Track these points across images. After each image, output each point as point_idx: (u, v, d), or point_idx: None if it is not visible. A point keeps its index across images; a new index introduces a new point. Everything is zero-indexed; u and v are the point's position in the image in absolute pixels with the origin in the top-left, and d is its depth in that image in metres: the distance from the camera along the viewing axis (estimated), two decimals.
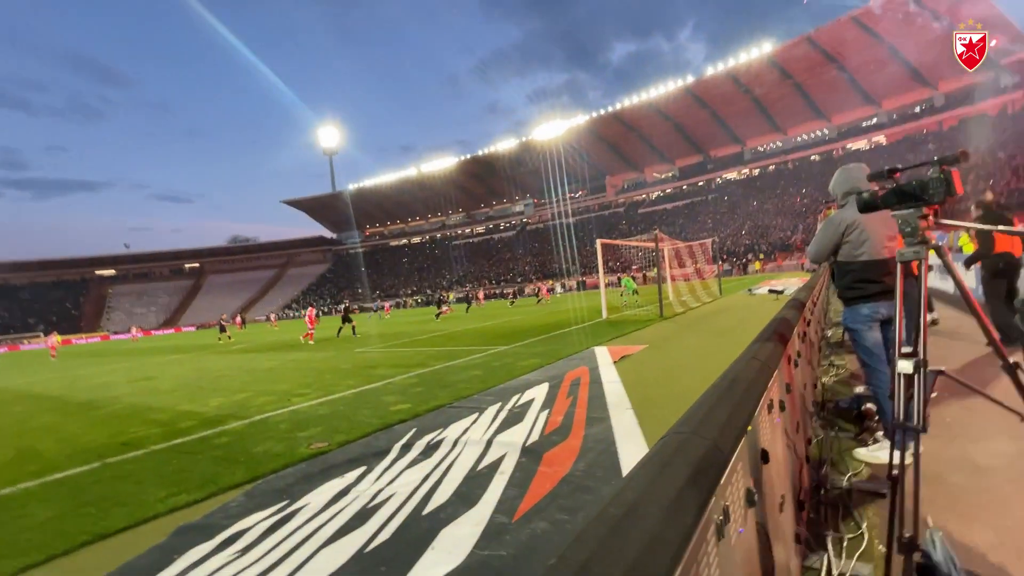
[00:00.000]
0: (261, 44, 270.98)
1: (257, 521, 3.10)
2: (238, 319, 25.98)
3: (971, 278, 9.66)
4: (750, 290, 19.66)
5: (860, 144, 53.73)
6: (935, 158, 1.43)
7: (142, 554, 2.85)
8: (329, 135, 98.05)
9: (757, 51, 50.76)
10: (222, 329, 25.14)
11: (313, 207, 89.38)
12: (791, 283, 19.76)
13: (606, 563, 0.61)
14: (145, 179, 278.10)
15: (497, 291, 56.69)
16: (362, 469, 3.85)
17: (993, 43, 43.43)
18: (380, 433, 4.81)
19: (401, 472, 3.70)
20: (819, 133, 58.57)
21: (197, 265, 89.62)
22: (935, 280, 10.65)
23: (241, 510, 3.31)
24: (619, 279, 27.27)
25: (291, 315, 67.36)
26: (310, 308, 18.87)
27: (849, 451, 3.23)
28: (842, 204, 3.23)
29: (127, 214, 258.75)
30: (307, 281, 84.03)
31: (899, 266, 1.61)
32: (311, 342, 17.07)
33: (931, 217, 1.50)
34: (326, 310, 66.68)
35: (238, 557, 2.68)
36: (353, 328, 18.58)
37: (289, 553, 2.66)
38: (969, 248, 10.01)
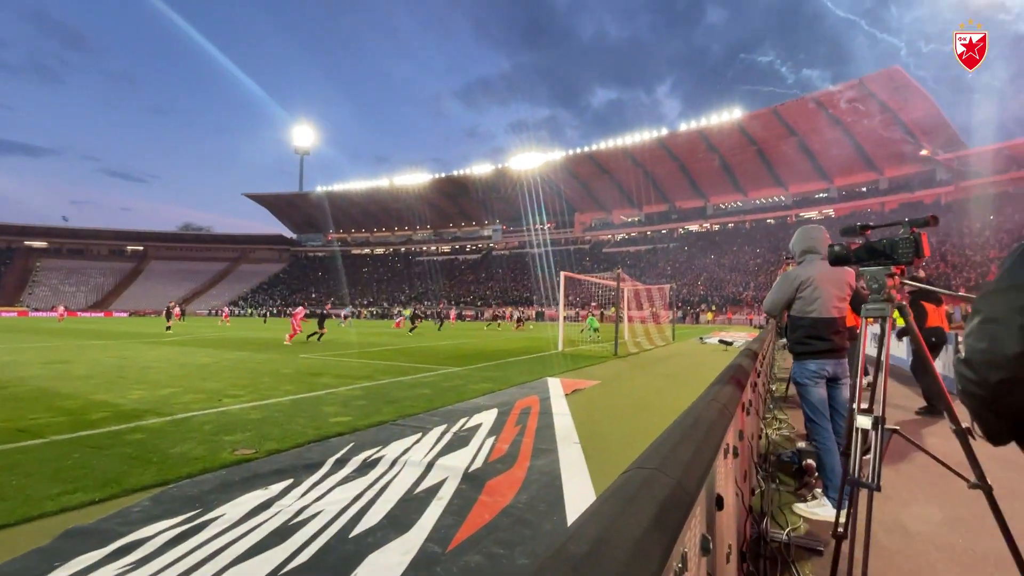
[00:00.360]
0: (244, 34, 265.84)
1: (160, 530, 2.78)
2: (176, 309, 24.30)
3: (900, 349, 10.30)
4: (701, 339, 20.25)
5: (812, 213, 57.45)
6: (906, 219, 1.47)
7: (18, 557, 2.48)
8: (303, 134, 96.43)
9: (728, 115, 53.98)
10: (169, 316, 23.80)
11: (276, 204, 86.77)
12: (740, 336, 20.51)
13: None
14: (97, 151, 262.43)
15: (471, 312, 55.99)
16: (288, 482, 3.56)
17: (924, 151, 47.85)
18: (314, 445, 4.51)
19: (331, 489, 3.44)
20: (777, 199, 62.33)
21: (141, 248, 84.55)
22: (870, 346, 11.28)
23: (144, 516, 2.96)
24: (588, 315, 27.66)
25: (237, 312, 64.25)
26: (300, 308, 17.90)
27: (788, 505, 3.25)
28: (800, 261, 3.35)
29: (71, 185, 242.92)
30: (259, 279, 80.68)
31: (864, 322, 1.62)
32: (287, 343, 16.31)
33: (898, 276, 1.53)
34: (308, 312, 64.13)
35: (131, 570, 2.38)
36: (320, 336, 17.74)
37: (192, 570, 2.38)
38: (900, 322, 10.74)
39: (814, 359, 3.09)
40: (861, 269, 1.61)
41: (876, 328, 2.27)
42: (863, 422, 1.45)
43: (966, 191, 46.92)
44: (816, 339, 3.08)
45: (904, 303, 1.51)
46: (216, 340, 18.17)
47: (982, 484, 1.35)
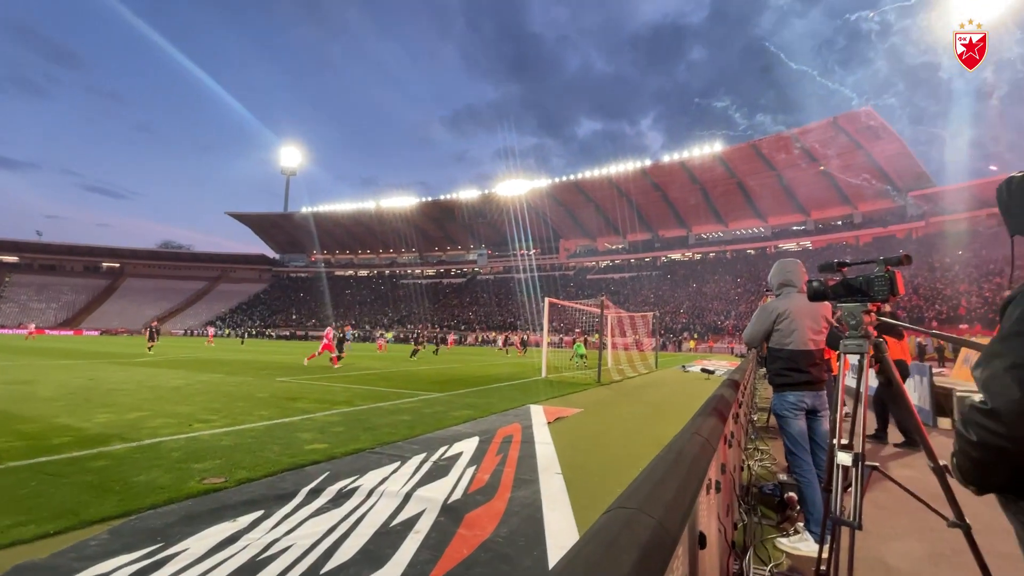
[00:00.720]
0: (234, 55, 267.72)
1: (117, 566, 2.62)
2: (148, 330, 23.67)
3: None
4: (684, 367, 20.35)
5: (790, 245, 58.98)
6: (881, 257, 1.51)
7: None
8: (290, 155, 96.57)
9: (709, 148, 55.71)
10: (151, 337, 23.01)
11: (260, 224, 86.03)
12: (722, 365, 20.66)
13: None
14: (77, 166, 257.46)
15: (454, 337, 55.47)
16: (259, 513, 3.41)
17: (894, 189, 49.91)
18: (288, 474, 4.35)
19: (304, 521, 3.31)
20: (757, 230, 63.93)
21: (117, 265, 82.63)
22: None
23: (101, 551, 2.80)
24: (573, 342, 27.61)
25: (204, 332, 62.74)
26: (329, 328, 17.42)
27: (770, 539, 3.21)
28: (777, 294, 3.41)
29: (47, 200, 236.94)
30: (239, 299, 79.23)
31: (843, 358, 1.64)
32: (306, 362, 16.44)
33: (874, 313, 1.55)
34: (288, 334, 62.76)
35: None
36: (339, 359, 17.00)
37: None
38: None
39: (793, 391, 3.12)
40: (839, 305, 1.64)
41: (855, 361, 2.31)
42: (843, 459, 1.45)
43: (936, 226, 48.77)
44: (794, 371, 3.12)
45: (882, 339, 1.54)
46: (190, 361, 17.65)
47: (960, 523, 1.35)
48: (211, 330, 39.85)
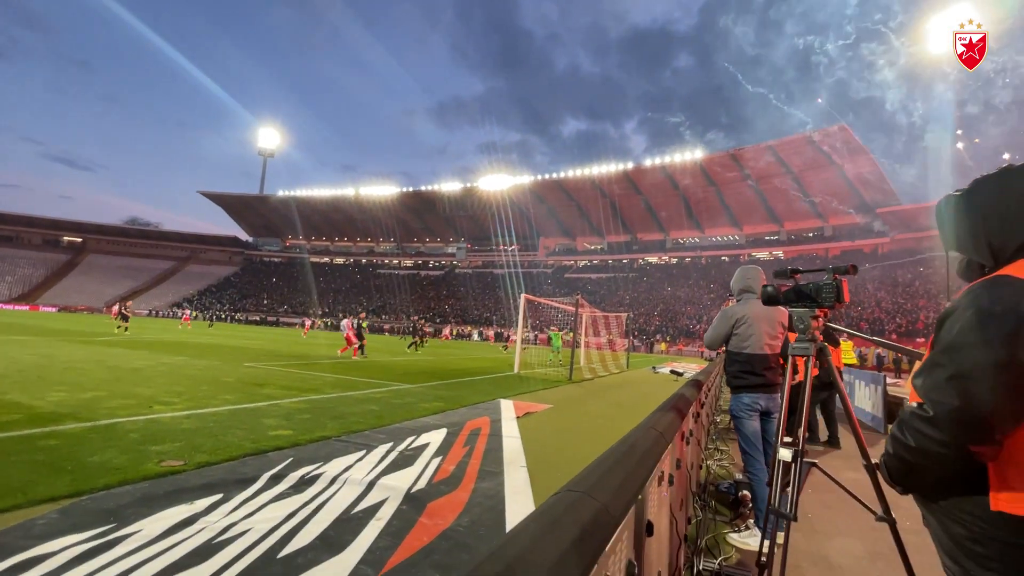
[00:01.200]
0: (211, 31, 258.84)
1: (66, 545, 2.56)
2: (115, 308, 22.31)
3: None
4: (654, 368, 20.73)
5: (763, 254, 60.56)
6: (830, 266, 1.59)
7: None
8: (268, 136, 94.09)
9: (690, 155, 56.66)
10: (124, 318, 21.96)
11: (233, 205, 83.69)
12: (691, 367, 21.13)
13: None
14: (40, 135, 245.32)
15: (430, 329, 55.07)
16: (217, 496, 3.37)
17: (863, 205, 51.70)
18: (250, 458, 4.29)
19: (263, 506, 3.28)
20: (732, 237, 65.37)
21: (79, 240, 79.36)
22: None
23: (49, 530, 2.72)
24: (548, 336, 27.58)
25: (170, 313, 61.04)
26: (346, 320, 17.05)
27: (723, 535, 3.34)
28: (738, 299, 3.53)
29: (5, 168, 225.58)
30: (208, 281, 77.03)
31: (791, 359, 1.72)
32: (357, 356, 16.02)
33: (822, 318, 1.64)
34: (259, 319, 61.09)
35: None
36: (362, 347, 16.65)
37: None
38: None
39: (748, 392, 3.24)
40: (790, 310, 1.72)
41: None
42: (784, 454, 1.53)
43: (900, 243, 50.75)
44: (750, 374, 3.24)
45: (824, 344, 1.63)
46: (154, 343, 17.13)
47: (887, 518, 1.45)
48: (186, 312, 38.05)
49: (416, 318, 28.88)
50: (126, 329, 22.00)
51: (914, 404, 1.02)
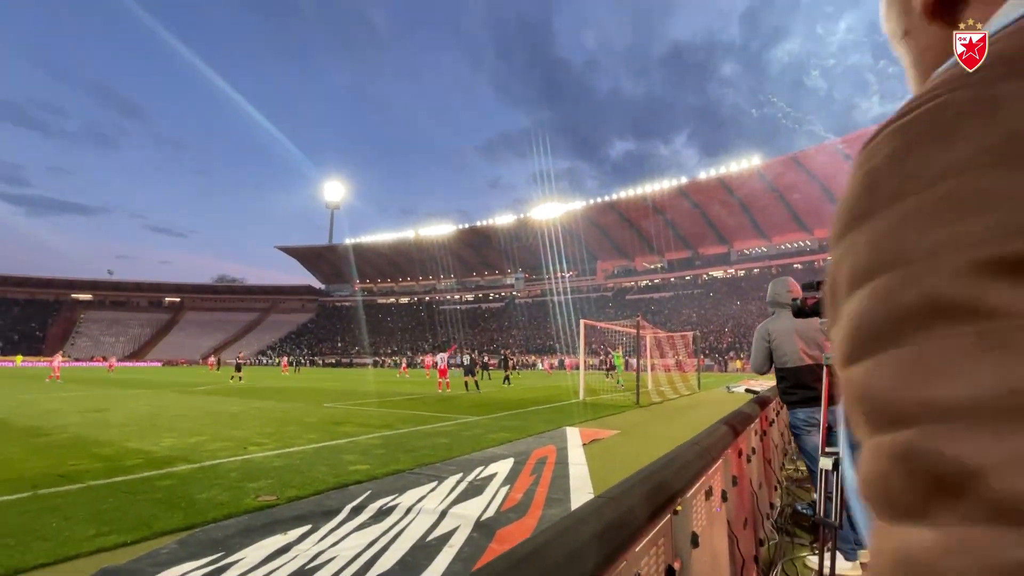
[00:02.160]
0: (281, 96, 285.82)
1: (186, 571, 2.93)
2: (211, 359, 24.23)
3: None
4: (728, 387, 19.74)
5: None
6: None
7: None
8: (334, 189, 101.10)
9: (747, 163, 54.65)
10: (238, 368, 23.67)
11: (306, 256, 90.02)
12: (768, 384, 19.90)
13: None
14: (143, 209, 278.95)
15: (494, 361, 55.86)
16: (307, 527, 3.69)
17: None
18: (333, 492, 4.64)
19: (348, 535, 3.55)
20: (802, 243, 61.64)
21: (178, 300, 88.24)
22: None
23: (171, 558, 3.13)
24: (608, 355, 26.92)
25: (266, 362, 65.65)
26: (427, 356, 18.83)
27: (802, 559, 3.20)
28: (770, 314, 3.45)
29: (117, 241, 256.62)
30: (287, 329, 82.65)
31: (825, 368, 1.75)
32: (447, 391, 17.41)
33: None
34: (335, 361, 64.98)
35: None
36: (477, 383, 18.02)
37: None
38: None
39: (802, 407, 3.14)
40: (820, 321, 1.75)
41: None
42: (825, 463, 1.56)
43: None
44: (799, 388, 3.14)
45: None
46: (246, 389, 18.61)
47: None
48: (284, 360, 40.09)
49: (506, 351, 27.90)
50: (240, 379, 23.20)
51: None
